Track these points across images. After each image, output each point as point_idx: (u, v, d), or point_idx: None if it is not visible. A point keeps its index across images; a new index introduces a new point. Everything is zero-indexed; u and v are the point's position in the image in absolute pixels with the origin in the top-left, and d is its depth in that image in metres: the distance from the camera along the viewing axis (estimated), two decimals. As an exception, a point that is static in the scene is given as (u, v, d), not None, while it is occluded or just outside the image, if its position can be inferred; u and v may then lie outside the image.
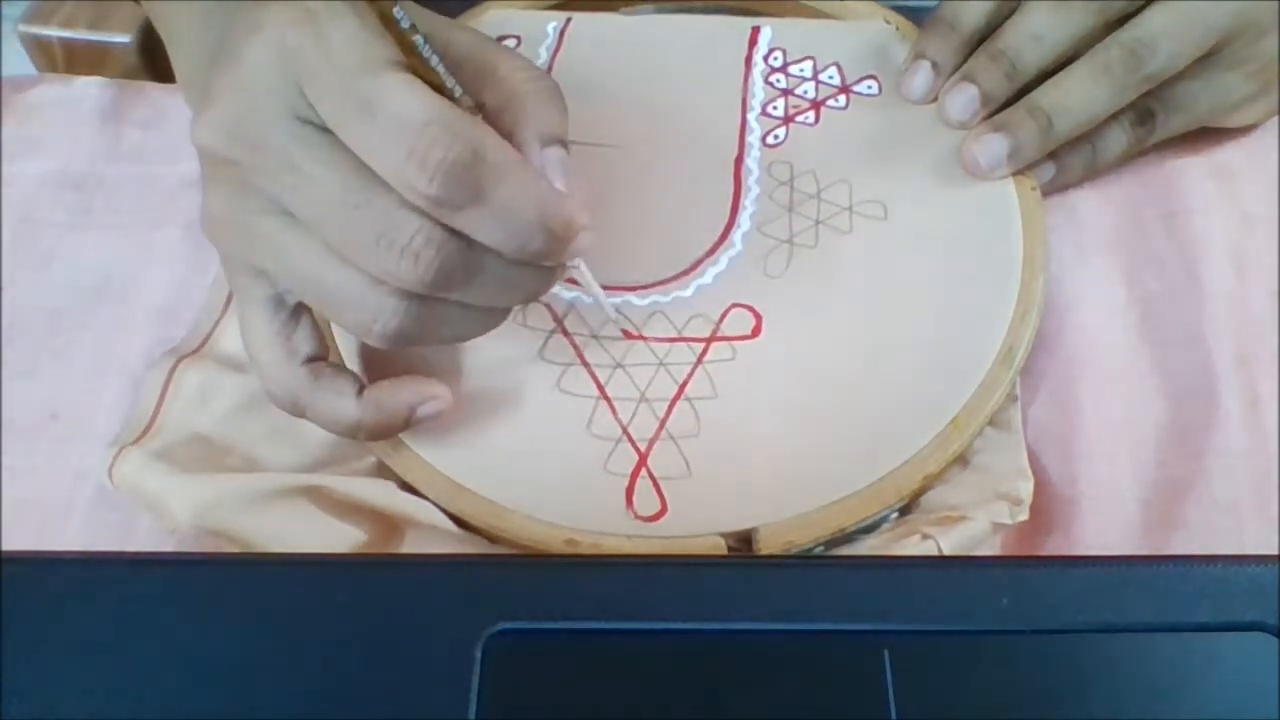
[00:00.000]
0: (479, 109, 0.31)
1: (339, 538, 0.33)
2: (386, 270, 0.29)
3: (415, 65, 0.29)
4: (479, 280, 0.30)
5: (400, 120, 0.27)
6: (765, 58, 0.44)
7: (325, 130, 0.28)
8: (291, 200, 0.29)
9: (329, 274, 0.30)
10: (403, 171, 0.27)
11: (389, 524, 0.34)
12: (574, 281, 0.37)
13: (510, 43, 0.45)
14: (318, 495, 0.34)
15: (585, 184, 0.31)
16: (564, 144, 0.31)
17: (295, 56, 0.28)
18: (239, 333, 0.33)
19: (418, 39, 0.29)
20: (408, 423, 0.33)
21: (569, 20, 0.45)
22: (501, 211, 0.28)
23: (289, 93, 0.28)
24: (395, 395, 0.33)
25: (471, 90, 0.31)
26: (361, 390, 0.33)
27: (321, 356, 0.33)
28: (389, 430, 0.33)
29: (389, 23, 0.29)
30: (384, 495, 0.34)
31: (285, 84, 0.28)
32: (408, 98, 0.27)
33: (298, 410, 0.33)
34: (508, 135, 0.30)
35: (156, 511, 0.34)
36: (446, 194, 0.27)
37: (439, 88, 0.29)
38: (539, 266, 0.31)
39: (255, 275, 0.32)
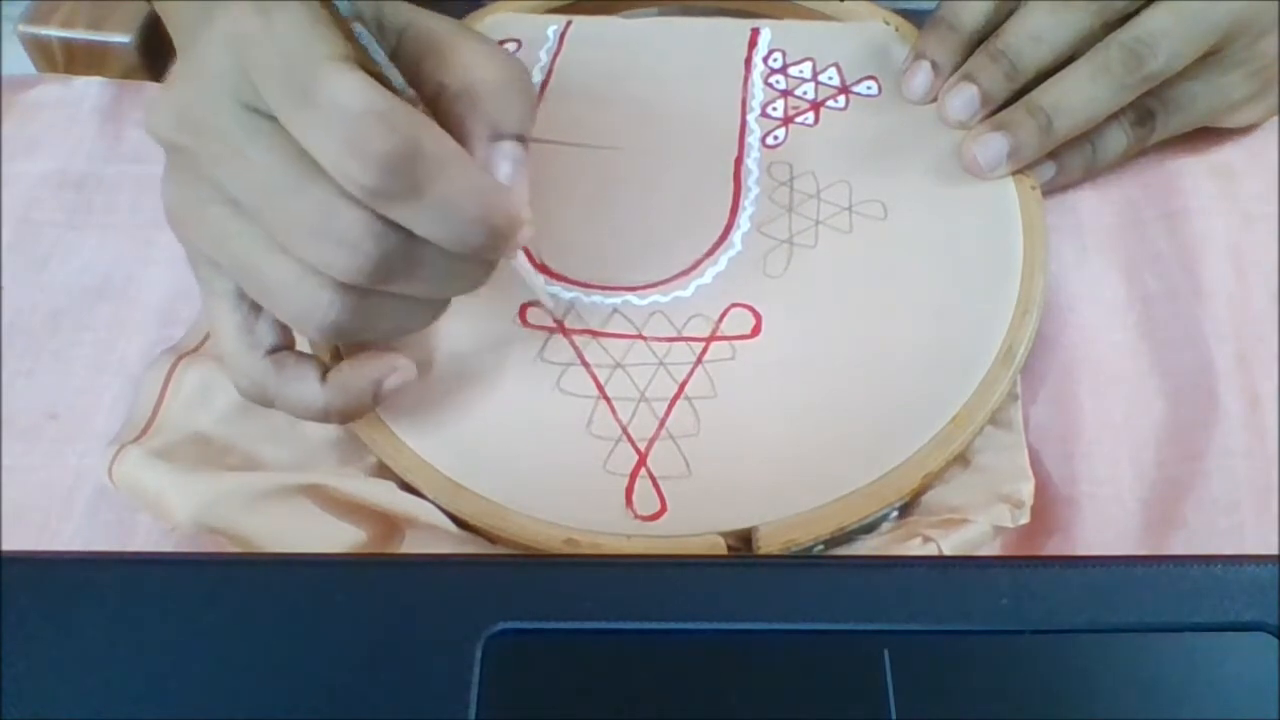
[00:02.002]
0: (433, 99, 0.30)
1: (339, 537, 0.33)
2: (324, 261, 0.29)
3: (362, 57, 0.28)
4: (418, 272, 0.30)
5: (338, 109, 0.27)
6: (765, 59, 0.44)
7: (271, 118, 0.28)
8: (235, 187, 0.29)
9: (268, 264, 0.29)
10: (340, 161, 0.27)
11: (389, 524, 0.34)
12: (570, 279, 0.37)
13: (511, 46, 0.45)
14: (317, 494, 0.34)
15: (527, 183, 0.31)
16: (520, 137, 0.31)
17: (242, 44, 0.28)
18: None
19: (356, 27, 0.28)
20: (376, 399, 0.33)
21: (569, 23, 0.45)
22: (439, 205, 0.28)
23: (236, 80, 0.28)
24: (358, 374, 0.33)
25: (434, 79, 0.31)
26: (325, 374, 0.32)
27: (286, 346, 0.33)
28: (358, 410, 0.33)
29: (335, 12, 0.28)
30: (384, 495, 0.34)
31: (232, 71, 0.28)
32: (346, 87, 0.27)
33: (266, 400, 0.33)
34: (460, 125, 0.30)
35: (156, 510, 0.34)
36: (383, 185, 0.27)
37: (383, 79, 0.29)
38: (479, 259, 0.31)
39: (213, 267, 0.32)
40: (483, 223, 0.29)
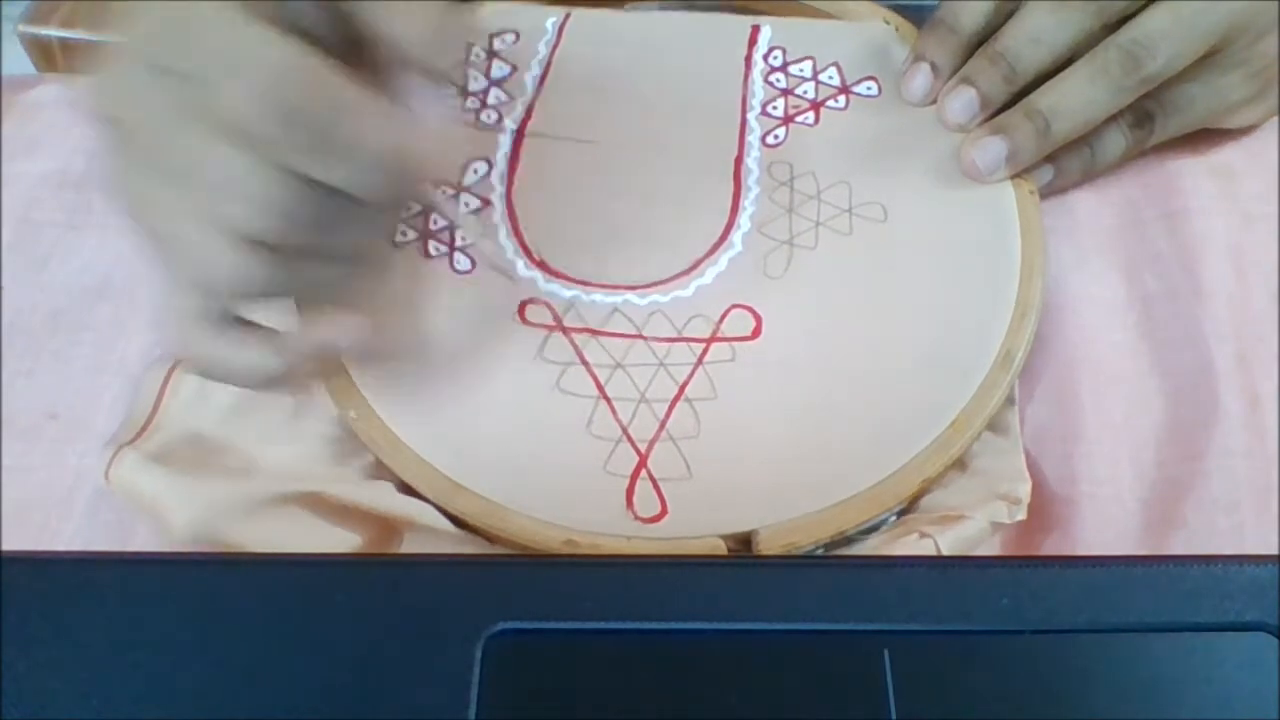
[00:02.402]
0: (357, 42, 0.30)
1: (336, 545, 0.33)
2: (229, 218, 0.28)
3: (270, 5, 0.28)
4: (325, 226, 0.29)
5: (240, 60, 0.27)
6: (765, 57, 0.44)
7: (184, 79, 0.28)
8: (151, 155, 0.29)
9: (182, 230, 0.29)
10: (238, 112, 0.27)
11: (387, 528, 0.34)
12: (569, 277, 0.37)
13: (509, 37, 0.45)
14: (314, 502, 0.34)
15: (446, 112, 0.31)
16: (433, 68, 0.30)
17: (161, 14, 0.28)
18: None
19: None
20: (322, 359, 0.33)
21: (568, 16, 0.45)
22: (339, 151, 0.28)
23: (150, 44, 0.28)
24: (304, 334, 0.32)
25: (370, 11, 0.30)
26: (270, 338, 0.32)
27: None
28: (304, 374, 0.33)
29: None
30: (381, 498, 0.33)
31: (148, 35, 0.28)
32: (248, 38, 0.27)
33: (204, 368, 0.32)
34: (374, 56, 0.30)
35: (153, 518, 0.34)
36: (286, 135, 0.27)
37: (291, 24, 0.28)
38: (387, 206, 0.30)
39: (152, 241, 0.31)
40: (387, 162, 0.28)
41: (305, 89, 0.27)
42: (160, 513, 0.33)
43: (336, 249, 0.31)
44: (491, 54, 0.44)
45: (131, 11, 0.30)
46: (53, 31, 0.50)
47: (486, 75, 0.44)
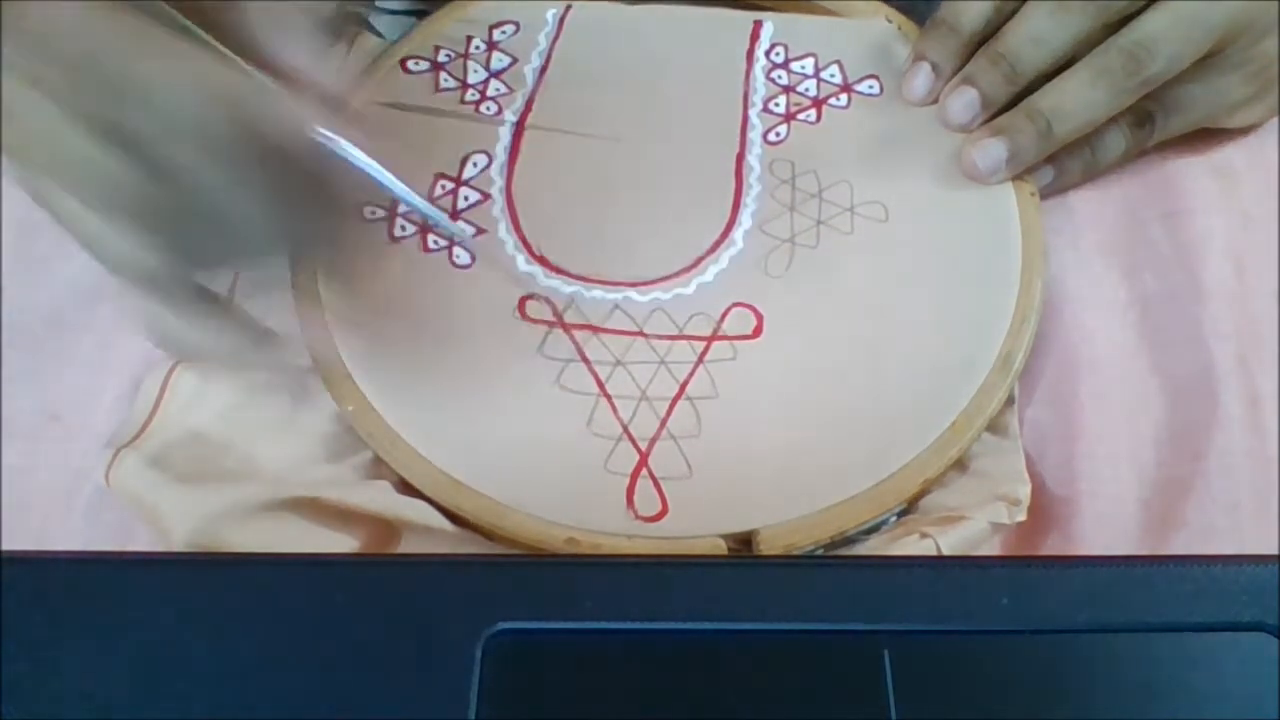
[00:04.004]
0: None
1: (335, 549, 0.33)
2: (89, 197, 0.27)
3: None
4: (203, 201, 0.27)
5: (29, 32, 0.25)
6: (767, 53, 0.44)
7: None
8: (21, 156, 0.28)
9: (79, 223, 0.28)
10: (48, 80, 0.25)
11: (386, 529, 0.34)
12: (569, 273, 0.37)
13: (508, 29, 0.45)
14: (311, 507, 0.34)
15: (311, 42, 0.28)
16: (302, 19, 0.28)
17: None
18: None
19: None
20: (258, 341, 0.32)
21: (569, 8, 0.45)
22: (148, 102, 0.25)
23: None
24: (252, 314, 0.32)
25: None
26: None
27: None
28: (241, 350, 0.32)
29: None
30: (379, 500, 0.33)
31: None
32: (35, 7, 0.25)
33: (164, 343, 0.32)
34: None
35: (151, 524, 0.34)
36: (85, 94, 0.25)
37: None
38: (266, 165, 0.27)
39: None
40: (212, 106, 0.26)
41: (94, 35, 0.25)
42: (159, 522, 0.33)
43: (239, 220, 0.28)
44: (491, 45, 0.44)
45: None
46: (52, 30, 0.50)
47: (486, 67, 0.44)
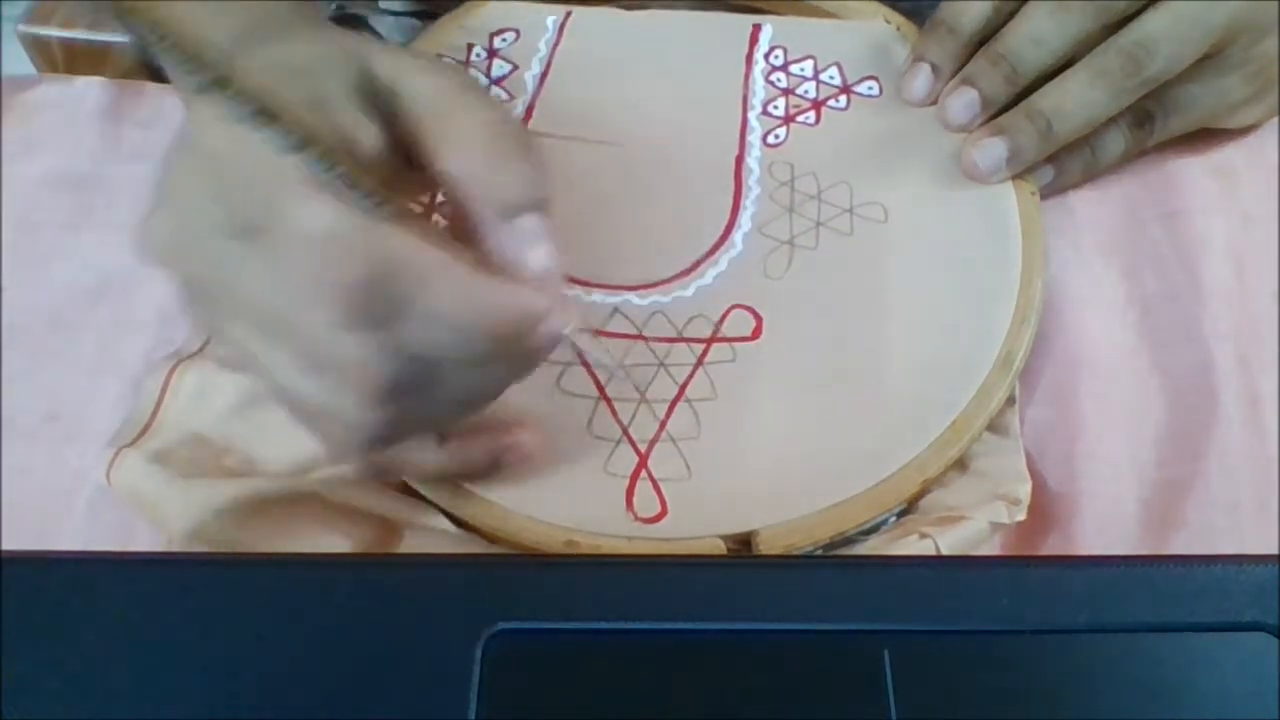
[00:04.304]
0: (438, 181, 0.28)
1: (336, 545, 0.33)
2: (338, 386, 0.27)
3: (345, 155, 0.26)
4: (443, 384, 0.28)
5: (300, 239, 0.25)
6: (766, 56, 0.44)
7: (253, 244, 0.26)
8: (241, 313, 0.27)
9: (294, 387, 0.28)
10: (312, 294, 0.25)
11: (387, 527, 0.34)
12: (569, 277, 0.37)
13: (509, 36, 0.45)
14: (314, 503, 0.34)
15: (555, 256, 0.29)
16: (537, 206, 0.29)
17: (216, 164, 0.26)
18: None
19: (305, 156, 0.25)
20: (492, 469, 0.32)
21: (569, 14, 0.45)
22: (430, 321, 0.26)
23: (214, 205, 0.26)
24: (480, 444, 0.31)
25: (431, 163, 0.28)
26: (442, 439, 0.31)
27: None
28: (474, 477, 0.32)
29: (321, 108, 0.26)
30: (381, 499, 0.34)
31: (213, 194, 0.26)
32: (309, 213, 0.25)
33: (377, 469, 0.31)
34: (468, 209, 0.28)
35: (153, 520, 0.34)
36: (355, 314, 0.25)
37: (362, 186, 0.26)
38: (511, 356, 0.28)
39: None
40: (486, 329, 0.26)
41: (367, 262, 0.25)
42: (160, 517, 0.33)
43: (463, 396, 0.29)
44: (492, 53, 0.44)
45: (180, 143, 0.28)
46: (53, 31, 0.50)
47: (487, 74, 0.44)
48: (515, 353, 0.27)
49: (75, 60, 0.50)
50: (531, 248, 0.28)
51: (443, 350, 0.27)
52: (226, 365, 0.31)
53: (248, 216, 0.26)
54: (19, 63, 0.51)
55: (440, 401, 0.29)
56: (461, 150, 0.28)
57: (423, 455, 0.31)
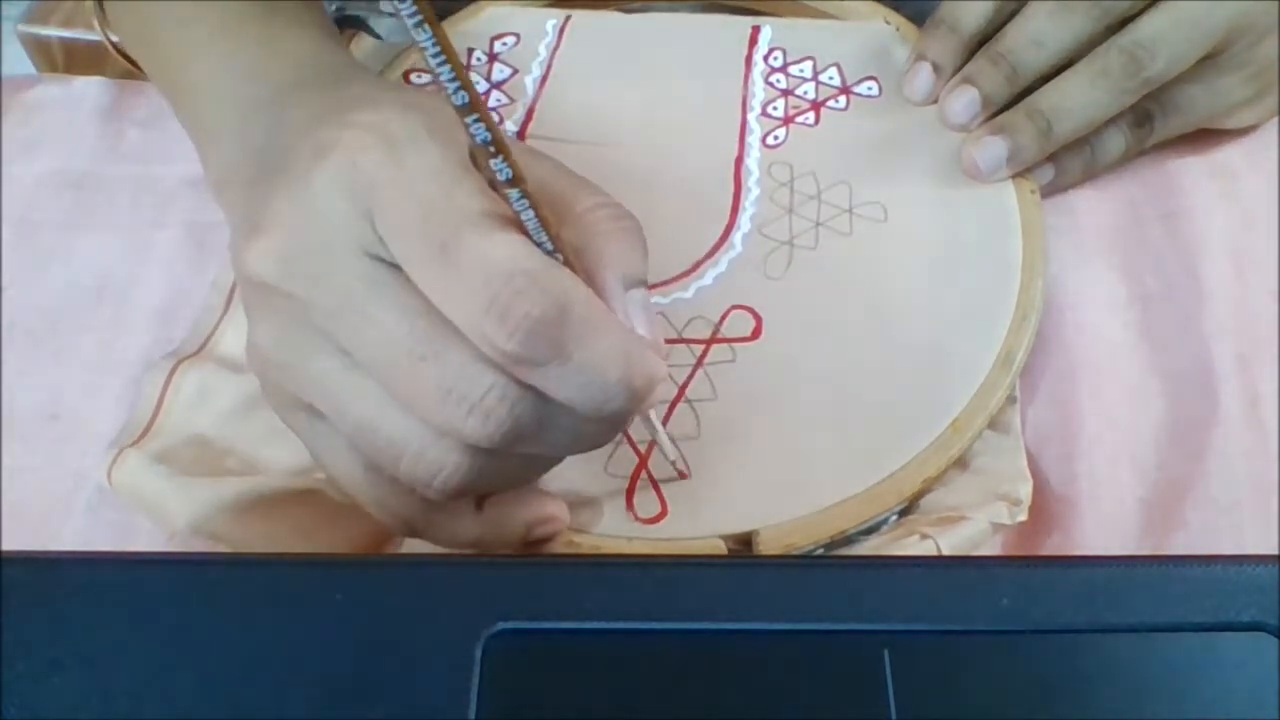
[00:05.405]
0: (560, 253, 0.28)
1: (336, 545, 0.33)
2: (453, 425, 0.26)
3: (503, 205, 0.26)
4: (548, 435, 0.27)
5: (483, 269, 0.25)
6: (765, 57, 0.44)
7: (396, 269, 0.26)
8: (352, 342, 0.27)
9: (388, 424, 0.27)
10: (481, 324, 0.25)
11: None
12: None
13: (509, 40, 0.45)
14: (314, 502, 0.34)
15: (660, 326, 0.29)
16: (646, 285, 0.29)
17: (369, 187, 0.26)
18: (241, 335, 0.32)
19: (512, 193, 0.25)
20: (524, 539, 0.31)
21: (569, 18, 0.45)
22: (584, 370, 0.26)
23: (359, 226, 0.26)
24: (514, 514, 0.31)
25: (548, 227, 0.28)
26: (478, 503, 0.31)
27: None
28: (506, 546, 0.32)
29: (479, 164, 0.26)
30: None
31: (355, 216, 0.26)
32: (492, 245, 0.25)
33: (410, 531, 0.31)
34: (589, 277, 0.28)
35: (154, 516, 0.34)
36: (527, 351, 0.25)
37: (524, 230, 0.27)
38: (613, 419, 0.28)
39: (312, 416, 0.29)
40: (625, 385, 0.26)
41: (554, 301, 0.25)
42: (162, 511, 0.33)
43: (551, 453, 0.29)
44: (492, 57, 0.44)
45: (297, 164, 0.27)
46: (53, 31, 0.50)
47: (487, 78, 0.44)
48: (630, 412, 0.28)
49: (75, 60, 0.51)
50: (646, 317, 0.29)
51: (582, 400, 0.26)
52: (281, 414, 0.30)
53: (409, 244, 0.26)
54: (19, 63, 0.51)
55: (533, 455, 0.29)
56: (588, 219, 0.29)
57: (460, 521, 0.30)
